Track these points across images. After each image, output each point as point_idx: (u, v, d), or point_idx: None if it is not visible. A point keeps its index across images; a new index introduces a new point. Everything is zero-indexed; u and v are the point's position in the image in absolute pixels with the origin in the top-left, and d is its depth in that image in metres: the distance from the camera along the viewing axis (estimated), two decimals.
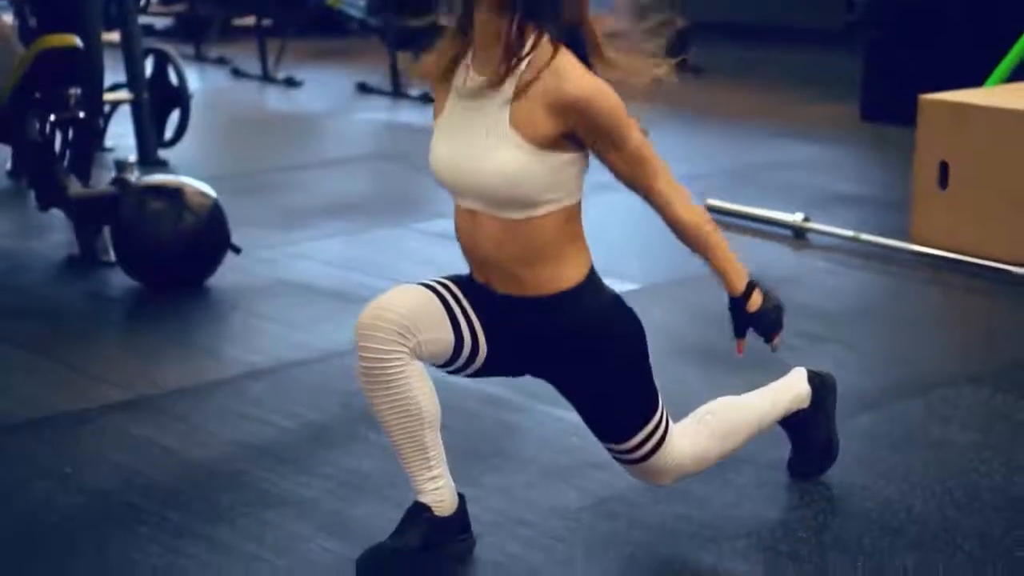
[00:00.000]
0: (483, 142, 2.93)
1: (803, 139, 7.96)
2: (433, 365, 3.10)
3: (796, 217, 5.94)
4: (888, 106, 7.96)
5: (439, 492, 3.10)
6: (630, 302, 3.36)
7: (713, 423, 3.37)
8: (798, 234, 5.91)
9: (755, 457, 3.70)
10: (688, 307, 5.02)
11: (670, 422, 3.25)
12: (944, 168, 5.66)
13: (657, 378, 4.12)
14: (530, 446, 3.85)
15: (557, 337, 3.07)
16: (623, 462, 3.26)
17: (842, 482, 3.60)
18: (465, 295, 3.08)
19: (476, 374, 3.16)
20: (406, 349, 2.97)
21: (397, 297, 3.00)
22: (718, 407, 3.42)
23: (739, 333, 3.20)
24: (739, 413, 3.42)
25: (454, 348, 3.05)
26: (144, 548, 3.25)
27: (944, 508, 3.46)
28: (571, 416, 3.99)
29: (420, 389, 3.01)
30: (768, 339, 3.20)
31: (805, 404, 3.56)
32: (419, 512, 3.10)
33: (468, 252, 3.10)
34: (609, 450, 3.26)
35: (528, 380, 4.26)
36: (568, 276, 3.03)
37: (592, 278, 3.08)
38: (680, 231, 3.09)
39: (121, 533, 3.32)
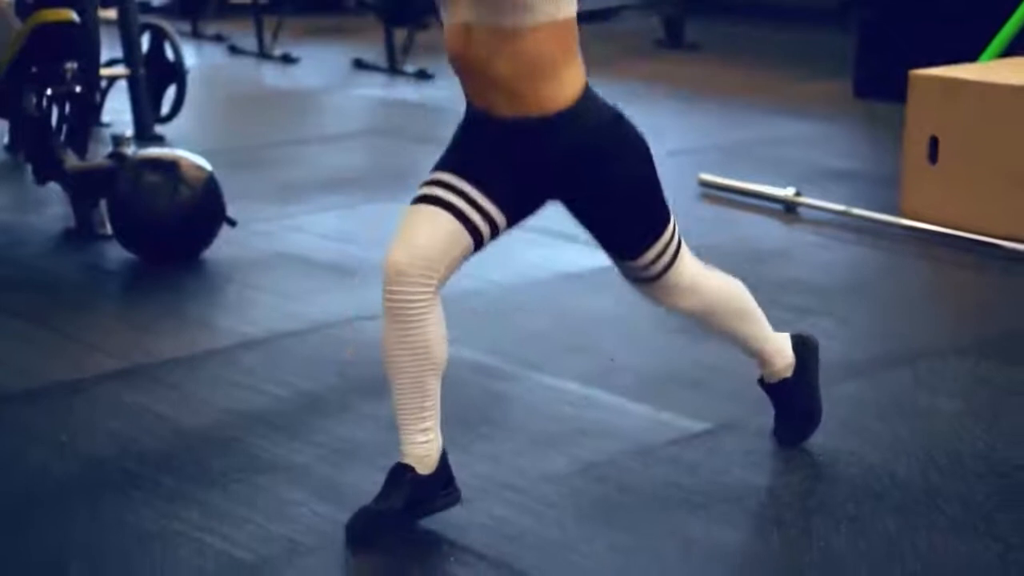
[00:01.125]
0: None
1: (796, 116, 7.99)
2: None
3: (788, 192, 5.97)
4: (881, 83, 7.98)
5: (427, 445, 3.16)
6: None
7: (728, 286, 3.48)
8: (789, 209, 5.95)
9: (743, 425, 3.75)
10: None
11: (682, 241, 3.32)
12: (934, 143, 5.70)
13: (643, 354, 4.19)
14: (520, 414, 3.89)
15: (566, 158, 3.09)
16: (639, 281, 3.33)
17: (828, 448, 3.65)
18: (470, 172, 3.10)
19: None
20: (431, 288, 3.05)
21: (420, 235, 3.06)
22: (737, 285, 3.52)
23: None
24: (750, 305, 3.53)
25: (475, 245, 3.13)
26: (138, 512, 3.30)
27: (927, 473, 3.51)
28: (562, 384, 4.06)
29: (435, 333, 3.09)
30: None
31: (788, 373, 3.60)
32: (402, 473, 3.16)
33: (465, 73, 3.09)
34: (625, 270, 3.32)
35: (518, 348, 4.34)
36: (566, 94, 3.05)
37: (590, 94, 3.10)
38: None
39: (116, 498, 3.37)
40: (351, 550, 3.13)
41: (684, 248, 3.33)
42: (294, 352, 4.36)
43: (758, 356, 3.59)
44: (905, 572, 3.04)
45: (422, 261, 3.04)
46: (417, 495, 3.16)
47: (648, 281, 3.32)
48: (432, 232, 3.06)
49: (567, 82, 3.06)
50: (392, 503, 3.14)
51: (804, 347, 3.65)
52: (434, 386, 3.14)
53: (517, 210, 3.18)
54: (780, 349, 3.59)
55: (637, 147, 3.17)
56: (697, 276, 3.37)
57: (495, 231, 3.15)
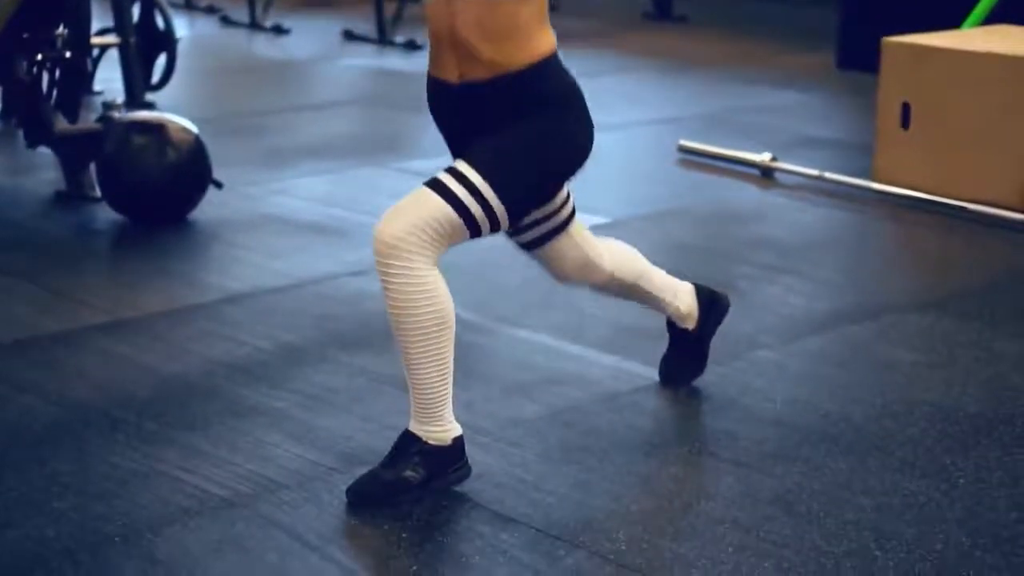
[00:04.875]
0: None
1: (778, 86, 8.11)
2: None
3: (764, 157, 6.10)
4: (863, 55, 8.07)
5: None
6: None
7: (622, 260, 3.60)
8: (765, 173, 6.07)
9: (705, 374, 3.87)
10: (654, 240, 5.19)
11: (571, 224, 3.44)
12: (906, 109, 5.83)
13: (613, 309, 4.31)
14: (493, 365, 4.02)
15: (516, 102, 3.16)
16: (521, 247, 3.48)
17: (787, 396, 3.78)
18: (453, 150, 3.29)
19: None
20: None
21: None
22: (635, 256, 3.65)
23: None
24: (643, 278, 3.66)
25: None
26: (121, 453, 3.43)
27: (882, 419, 3.65)
28: (534, 337, 4.20)
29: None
30: None
31: (690, 324, 3.78)
32: (413, 443, 3.22)
33: (442, 41, 3.21)
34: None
35: (494, 303, 4.47)
36: (537, 50, 3.16)
37: (558, 58, 3.22)
38: None
39: (100, 440, 3.51)
40: (338, 482, 3.26)
41: (573, 230, 3.45)
42: (276, 307, 4.49)
43: (662, 310, 3.79)
44: (854, 508, 3.18)
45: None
46: (432, 469, 3.21)
47: (527, 248, 3.46)
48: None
49: (539, 42, 3.17)
50: (405, 474, 3.19)
51: (712, 308, 3.81)
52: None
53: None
54: (682, 298, 3.75)
55: (580, 115, 3.24)
56: (587, 260, 3.51)
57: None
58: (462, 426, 3.30)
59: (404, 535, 3.06)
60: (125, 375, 3.92)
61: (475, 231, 3.17)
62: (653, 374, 3.90)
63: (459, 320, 4.29)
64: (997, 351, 4.13)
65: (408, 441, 3.21)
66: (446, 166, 3.19)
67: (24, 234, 5.29)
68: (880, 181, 5.83)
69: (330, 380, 3.89)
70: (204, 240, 5.22)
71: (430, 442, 3.20)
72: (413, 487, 3.18)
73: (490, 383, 3.88)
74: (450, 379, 3.20)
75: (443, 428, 3.21)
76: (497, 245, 5.13)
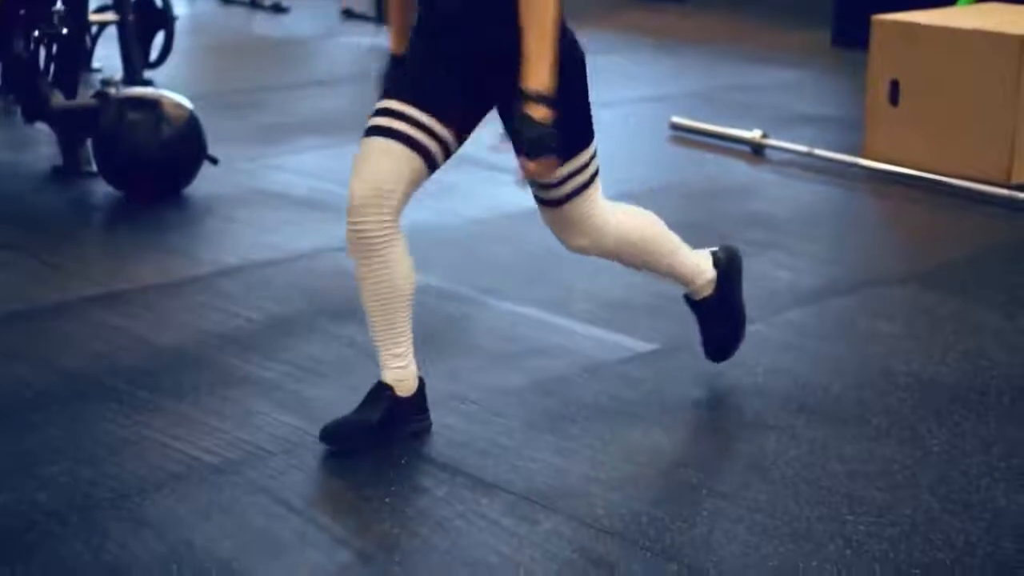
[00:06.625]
0: None
1: (773, 63, 8.16)
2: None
3: (754, 134, 6.15)
4: (858, 32, 8.11)
5: (401, 371, 3.36)
6: None
7: (639, 225, 3.52)
8: (756, 150, 6.13)
9: (691, 346, 3.93)
10: None
11: (599, 184, 3.41)
12: (895, 85, 5.88)
13: (601, 283, 4.37)
14: (479, 335, 4.09)
15: (492, 50, 3.21)
16: (544, 204, 3.39)
17: (768, 367, 3.85)
18: (411, 94, 3.27)
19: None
20: (390, 216, 3.22)
21: (371, 167, 3.23)
22: (647, 220, 3.57)
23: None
24: (657, 241, 3.55)
25: (428, 165, 3.27)
26: (112, 420, 3.50)
27: (860, 389, 3.71)
28: (522, 310, 4.26)
29: (400, 267, 3.26)
30: (526, 155, 3.17)
31: (709, 291, 3.67)
32: (380, 391, 3.37)
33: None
34: (534, 189, 3.37)
35: (482, 276, 4.54)
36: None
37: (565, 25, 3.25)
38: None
39: (91, 408, 3.57)
40: (325, 449, 3.33)
41: (597, 189, 3.41)
42: (268, 279, 4.55)
43: (677, 281, 3.67)
44: (828, 474, 3.24)
45: (375, 191, 3.21)
46: (392, 414, 3.36)
47: (554, 204, 3.38)
48: (381, 161, 3.23)
49: None
50: (367, 416, 3.35)
51: (728, 262, 3.71)
52: (404, 316, 3.32)
53: (462, 119, 3.29)
54: (698, 269, 3.65)
55: (573, 59, 3.25)
56: (603, 224, 3.44)
57: (445, 147, 3.28)
58: (447, 395, 3.38)
59: (387, 500, 3.13)
60: (119, 345, 3.99)
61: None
62: (637, 345, 3.97)
63: (446, 292, 4.39)
64: (976, 323, 4.19)
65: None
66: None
67: (21, 208, 5.35)
68: (869, 157, 5.89)
69: (319, 351, 3.96)
70: (199, 214, 5.28)
71: None
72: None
73: (475, 353, 3.95)
74: None
75: None
76: (486, 220, 5.23)
